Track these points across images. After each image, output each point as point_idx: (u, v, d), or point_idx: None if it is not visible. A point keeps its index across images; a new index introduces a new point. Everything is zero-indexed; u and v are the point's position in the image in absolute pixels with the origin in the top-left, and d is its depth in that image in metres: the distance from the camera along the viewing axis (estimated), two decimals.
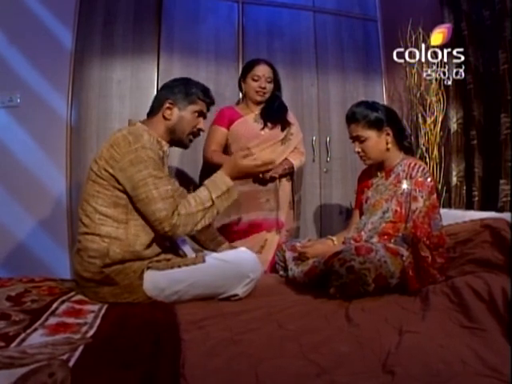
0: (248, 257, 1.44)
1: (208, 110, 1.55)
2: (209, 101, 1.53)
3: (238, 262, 1.40)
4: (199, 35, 2.46)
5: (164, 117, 1.46)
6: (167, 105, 1.46)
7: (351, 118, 1.65)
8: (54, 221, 2.18)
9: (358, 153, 1.67)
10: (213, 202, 1.39)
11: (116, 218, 1.35)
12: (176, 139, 1.50)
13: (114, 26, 2.29)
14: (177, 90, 1.48)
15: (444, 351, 0.97)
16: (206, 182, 1.44)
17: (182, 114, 1.47)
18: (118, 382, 0.82)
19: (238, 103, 2.22)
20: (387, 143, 1.63)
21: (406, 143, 1.69)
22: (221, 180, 1.42)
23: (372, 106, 1.66)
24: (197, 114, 1.50)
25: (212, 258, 1.42)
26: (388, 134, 1.63)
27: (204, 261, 1.39)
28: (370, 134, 1.62)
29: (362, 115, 1.62)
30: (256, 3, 2.60)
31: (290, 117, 2.15)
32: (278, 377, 0.85)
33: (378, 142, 1.63)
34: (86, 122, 2.24)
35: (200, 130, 1.53)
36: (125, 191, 1.35)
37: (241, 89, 2.13)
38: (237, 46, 2.53)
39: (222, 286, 1.39)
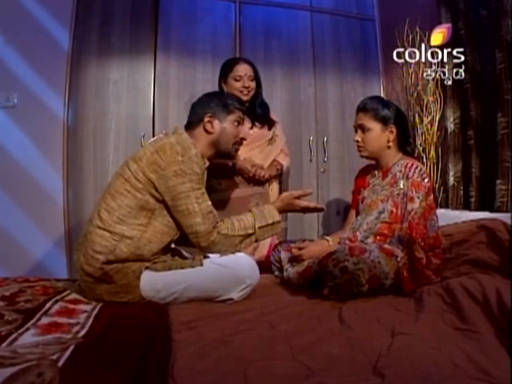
0: (245, 262, 1.44)
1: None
2: (245, 109, 1.57)
3: (236, 267, 1.40)
4: (196, 35, 2.46)
5: (206, 130, 1.48)
6: (207, 119, 1.47)
7: (361, 108, 1.67)
8: (50, 220, 2.18)
9: (357, 142, 1.68)
10: (255, 230, 1.42)
11: (136, 221, 1.35)
12: (222, 151, 1.53)
13: (111, 26, 2.29)
14: (213, 103, 1.50)
15: (436, 353, 0.96)
16: (254, 209, 1.48)
17: (223, 125, 1.49)
18: (107, 382, 0.82)
19: None
20: (388, 141, 1.64)
21: (408, 149, 1.70)
22: (269, 213, 1.47)
23: (385, 102, 1.68)
24: (236, 123, 1.53)
25: (210, 261, 1.42)
26: (391, 132, 1.63)
27: (201, 264, 1.39)
28: (375, 126, 1.63)
29: (372, 107, 1.64)
30: (253, 3, 2.60)
31: (273, 115, 2.14)
32: (266, 378, 0.85)
33: (380, 136, 1.63)
34: (82, 122, 2.25)
35: (243, 138, 1.57)
36: (159, 199, 1.36)
37: (221, 90, 2.07)
38: (234, 46, 2.53)
39: (218, 289, 1.39)
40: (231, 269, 1.39)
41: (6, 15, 2.13)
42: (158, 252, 1.40)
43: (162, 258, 1.42)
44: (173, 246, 1.58)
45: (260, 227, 1.43)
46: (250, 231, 1.42)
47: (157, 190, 1.35)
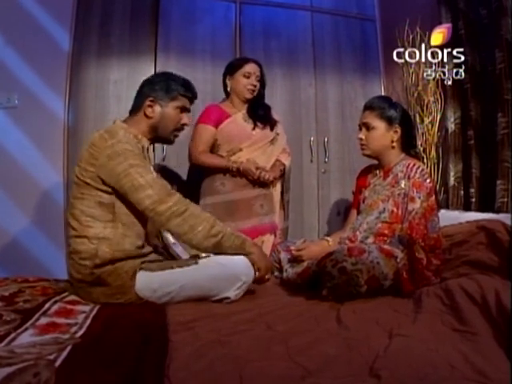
0: (241, 260, 1.42)
1: (192, 103, 1.54)
2: (191, 95, 1.51)
3: (231, 265, 1.39)
4: (196, 35, 2.45)
5: (146, 115, 1.45)
6: (148, 102, 1.44)
7: (368, 106, 1.68)
8: (50, 221, 2.18)
9: (361, 140, 1.68)
10: (222, 228, 1.39)
11: (103, 218, 1.35)
12: (160, 136, 1.49)
13: (111, 26, 2.29)
14: (158, 86, 1.45)
15: (433, 355, 0.95)
16: None
17: (164, 110, 1.45)
18: (103, 382, 0.82)
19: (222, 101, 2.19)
20: (392, 141, 1.64)
21: (412, 152, 1.70)
22: (244, 238, 1.44)
23: (392, 103, 1.69)
24: (179, 110, 1.48)
25: (205, 260, 1.41)
26: (396, 133, 1.64)
27: (197, 263, 1.39)
28: (379, 125, 1.63)
29: (378, 105, 1.65)
30: (253, 3, 2.59)
31: (274, 115, 2.14)
32: (262, 379, 0.85)
33: (384, 135, 1.64)
34: (83, 123, 2.25)
35: (184, 125, 1.52)
36: (109, 192, 1.35)
37: (225, 87, 2.09)
38: (234, 46, 2.52)
39: (214, 288, 1.38)
40: (226, 267, 1.38)
41: (6, 16, 2.13)
42: (142, 244, 1.40)
43: (156, 257, 1.42)
44: (172, 240, 1.58)
45: (231, 233, 1.40)
46: (218, 225, 1.37)
47: (102, 181, 1.34)
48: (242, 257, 1.42)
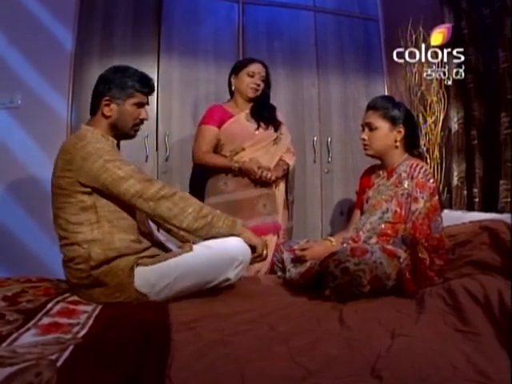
0: (235, 240, 1.40)
1: (150, 95, 1.51)
2: (147, 90, 1.48)
3: (226, 246, 1.37)
4: (199, 36, 2.45)
5: (104, 114, 1.43)
6: (105, 102, 1.42)
7: (371, 106, 1.67)
8: None
9: (363, 140, 1.68)
10: (211, 210, 1.39)
11: (88, 222, 1.35)
12: (121, 133, 1.48)
13: (114, 27, 2.30)
14: (113, 84, 1.43)
15: (435, 355, 0.95)
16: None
17: (121, 109, 1.43)
18: (104, 382, 0.82)
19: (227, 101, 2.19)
20: (396, 141, 1.63)
21: (415, 152, 1.69)
22: (234, 218, 1.44)
23: (395, 103, 1.68)
24: (136, 106, 1.46)
25: (199, 245, 1.39)
26: (399, 133, 1.63)
27: (191, 249, 1.37)
28: (383, 125, 1.63)
29: (382, 105, 1.64)
30: (256, 3, 2.59)
31: (279, 115, 2.15)
32: (263, 379, 0.85)
33: (387, 135, 1.63)
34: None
35: (143, 119, 1.50)
36: (88, 192, 1.35)
37: (230, 86, 2.10)
38: (237, 47, 2.52)
39: (212, 272, 1.37)
40: (221, 248, 1.37)
41: (9, 16, 2.13)
42: (135, 238, 1.40)
43: (150, 252, 1.42)
44: (163, 238, 1.58)
45: (221, 213, 1.40)
46: (207, 208, 1.38)
47: (82, 184, 1.34)
48: (235, 237, 1.41)
